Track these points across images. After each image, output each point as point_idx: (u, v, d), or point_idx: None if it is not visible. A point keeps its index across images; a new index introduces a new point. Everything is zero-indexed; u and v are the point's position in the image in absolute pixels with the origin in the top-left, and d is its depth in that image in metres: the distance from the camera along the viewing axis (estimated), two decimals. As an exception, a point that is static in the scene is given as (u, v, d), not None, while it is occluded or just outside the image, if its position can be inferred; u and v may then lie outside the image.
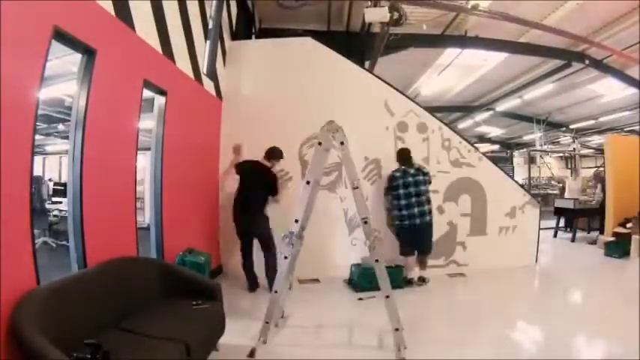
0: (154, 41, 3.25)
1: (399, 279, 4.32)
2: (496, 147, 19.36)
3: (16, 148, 1.88)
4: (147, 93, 3.24)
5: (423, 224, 4.38)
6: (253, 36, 6.58)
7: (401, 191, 4.39)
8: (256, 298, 4.04)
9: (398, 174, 4.48)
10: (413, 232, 4.41)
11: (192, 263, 3.36)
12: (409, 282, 4.47)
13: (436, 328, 3.41)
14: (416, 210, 4.35)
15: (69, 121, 3.03)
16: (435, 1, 5.38)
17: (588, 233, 7.93)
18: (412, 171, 4.45)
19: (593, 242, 6.95)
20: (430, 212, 4.48)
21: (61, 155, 10.11)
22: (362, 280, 4.26)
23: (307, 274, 4.64)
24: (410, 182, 4.39)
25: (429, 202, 4.48)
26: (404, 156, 4.58)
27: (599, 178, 8.63)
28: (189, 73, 4.02)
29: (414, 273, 4.51)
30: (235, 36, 5.50)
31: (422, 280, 4.49)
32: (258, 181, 4.17)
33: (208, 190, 4.73)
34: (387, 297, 2.65)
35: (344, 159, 2.76)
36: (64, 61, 3.35)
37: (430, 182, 4.57)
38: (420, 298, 4.14)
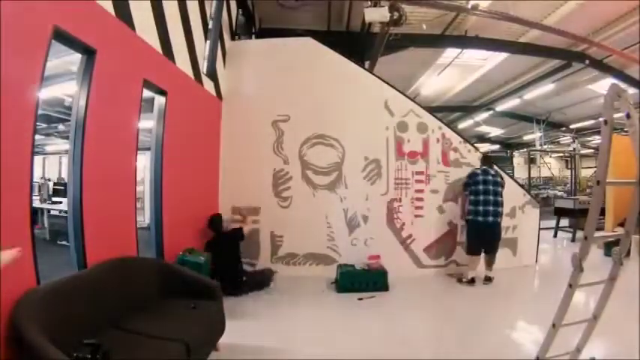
0: (154, 41, 3.25)
1: (382, 281, 4.26)
2: (496, 147, 19.37)
3: (16, 148, 1.88)
4: (147, 93, 3.25)
5: (494, 223, 4.51)
6: (253, 36, 6.58)
7: (480, 187, 4.56)
8: (257, 298, 4.03)
9: (479, 171, 4.70)
10: (484, 230, 4.51)
11: (192, 263, 3.36)
12: (461, 280, 4.60)
13: (436, 328, 3.41)
14: (491, 208, 4.48)
15: (69, 121, 3.03)
16: (435, 1, 5.37)
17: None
18: (492, 172, 4.70)
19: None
20: (502, 215, 4.59)
21: (61, 155, 10.10)
22: (344, 281, 4.23)
23: (306, 273, 4.66)
24: (490, 181, 4.58)
25: (502, 205, 4.60)
26: (487, 159, 5.00)
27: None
28: (189, 73, 4.02)
29: (473, 273, 4.54)
30: (235, 36, 5.50)
31: (488, 280, 4.55)
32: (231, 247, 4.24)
33: (208, 190, 4.73)
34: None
35: None
36: (64, 61, 3.34)
37: (504, 187, 4.68)
38: (419, 299, 4.13)
